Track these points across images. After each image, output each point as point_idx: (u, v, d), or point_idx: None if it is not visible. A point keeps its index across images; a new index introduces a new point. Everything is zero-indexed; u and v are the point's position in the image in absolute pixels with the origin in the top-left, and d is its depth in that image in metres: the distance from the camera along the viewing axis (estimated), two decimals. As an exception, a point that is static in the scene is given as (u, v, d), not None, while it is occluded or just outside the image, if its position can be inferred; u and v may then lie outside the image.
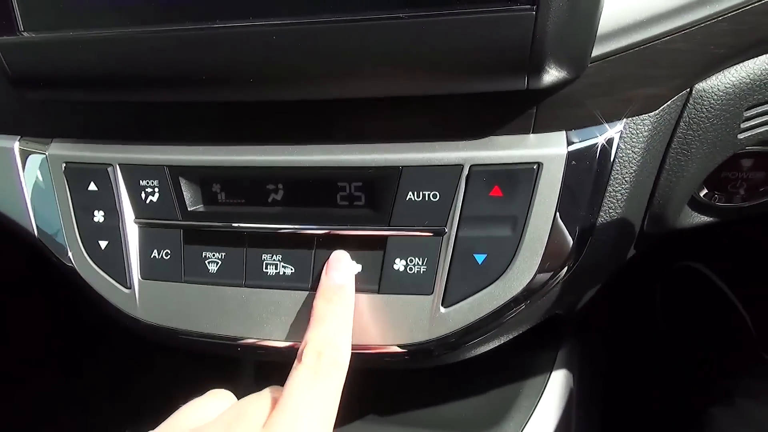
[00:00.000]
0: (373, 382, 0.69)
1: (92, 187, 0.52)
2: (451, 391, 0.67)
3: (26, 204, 0.55)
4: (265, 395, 0.42)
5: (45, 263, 0.56)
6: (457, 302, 0.45)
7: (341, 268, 0.46)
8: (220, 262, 0.50)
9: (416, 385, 0.68)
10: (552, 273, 0.44)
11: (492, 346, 0.52)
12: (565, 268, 0.45)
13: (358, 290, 0.47)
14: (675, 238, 0.56)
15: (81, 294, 0.54)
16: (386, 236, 0.46)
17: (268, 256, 0.49)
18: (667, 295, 1.40)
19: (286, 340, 0.49)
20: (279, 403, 0.40)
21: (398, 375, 0.69)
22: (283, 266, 0.49)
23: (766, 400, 0.88)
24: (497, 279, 0.44)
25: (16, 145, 0.55)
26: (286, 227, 0.48)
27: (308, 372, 0.41)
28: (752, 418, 0.85)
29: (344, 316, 0.45)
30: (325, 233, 0.48)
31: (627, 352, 1.21)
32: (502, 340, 0.52)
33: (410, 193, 0.45)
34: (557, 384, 0.67)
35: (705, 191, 0.52)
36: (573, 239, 0.44)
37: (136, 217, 0.51)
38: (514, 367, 0.68)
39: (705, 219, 0.55)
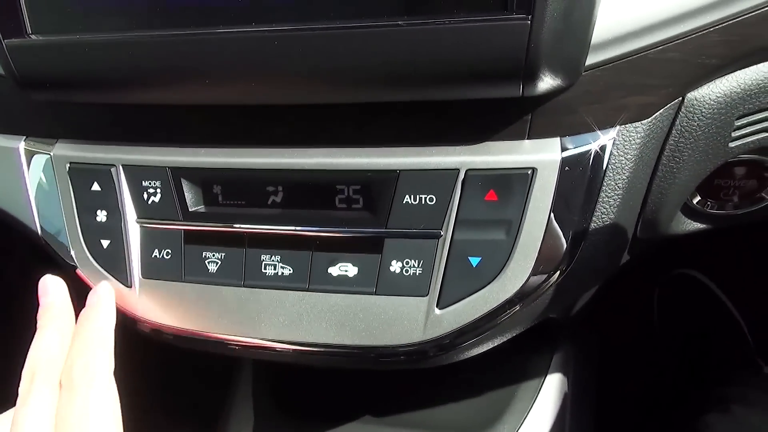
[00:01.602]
0: (368, 383, 0.70)
1: (95, 187, 0.53)
2: (446, 393, 0.68)
3: (30, 203, 0.56)
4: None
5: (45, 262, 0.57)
6: (452, 304, 0.46)
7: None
8: (219, 262, 0.51)
9: (411, 386, 0.69)
10: (545, 276, 0.45)
11: (486, 348, 0.53)
12: (558, 272, 0.46)
13: (354, 292, 0.48)
14: (670, 245, 0.57)
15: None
16: (383, 238, 0.47)
17: (267, 256, 0.50)
18: (664, 302, 1.40)
19: (282, 340, 0.49)
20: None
21: (393, 376, 0.70)
22: (281, 267, 0.50)
23: (762, 408, 0.88)
24: (491, 281, 0.45)
25: (22, 145, 0.56)
26: (285, 229, 0.49)
27: (59, 393, 0.44)
28: (748, 426, 0.85)
29: (92, 331, 0.48)
30: (323, 235, 0.49)
31: (623, 358, 1.22)
32: (497, 342, 0.53)
33: (407, 196, 0.46)
34: (552, 387, 0.68)
35: (698, 198, 0.53)
36: (566, 243, 0.44)
37: (138, 218, 0.52)
38: (510, 370, 0.69)
39: (698, 226, 0.56)
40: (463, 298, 0.46)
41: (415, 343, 0.47)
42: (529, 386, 0.67)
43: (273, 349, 0.50)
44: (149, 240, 0.52)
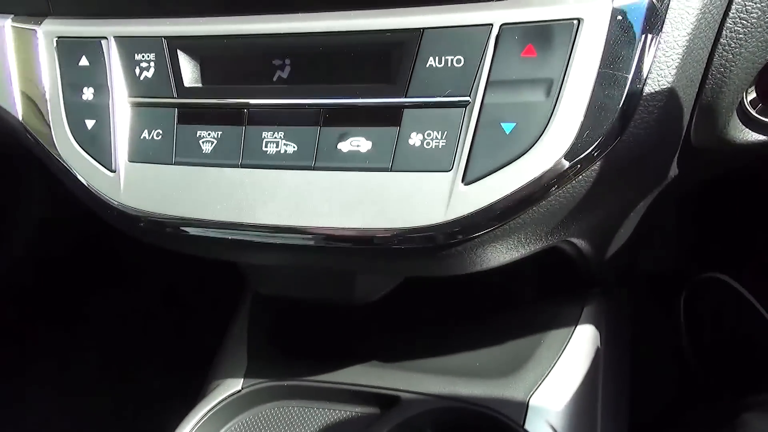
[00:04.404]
0: (392, 326, 0.63)
1: (83, 62, 0.48)
2: (470, 339, 0.60)
3: (11, 85, 0.51)
4: None
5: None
6: (480, 178, 0.39)
7: None
8: (215, 142, 0.45)
9: (435, 332, 0.62)
10: (589, 148, 0.39)
11: (510, 257, 0.46)
12: (604, 146, 0.39)
13: (366, 169, 0.41)
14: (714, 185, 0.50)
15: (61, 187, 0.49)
16: (402, 108, 0.41)
17: (269, 133, 0.44)
18: (691, 307, 1.32)
19: (281, 226, 0.43)
20: None
21: (417, 321, 0.63)
22: (284, 144, 0.44)
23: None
24: (528, 150, 0.39)
25: (8, 23, 0.51)
26: (290, 101, 0.43)
27: None
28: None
29: None
30: (333, 106, 0.43)
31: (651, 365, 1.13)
32: (522, 249, 0.46)
33: (431, 59, 0.40)
34: (582, 340, 0.60)
35: (753, 95, 0.47)
36: (617, 107, 0.38)
37: (128, 95, 0.47)
38: (535, 320, 0.62)
39: (753, 137, 0.49)
40: (493, 172, 0.39)
41: (434, 225, 0.40)
42: (558, 335, 0.60)
43: (270, 239, 0.44)
44: (139, 120, 0.47)
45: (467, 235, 0.40)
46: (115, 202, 0.47)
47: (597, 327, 0.62)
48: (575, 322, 0.61)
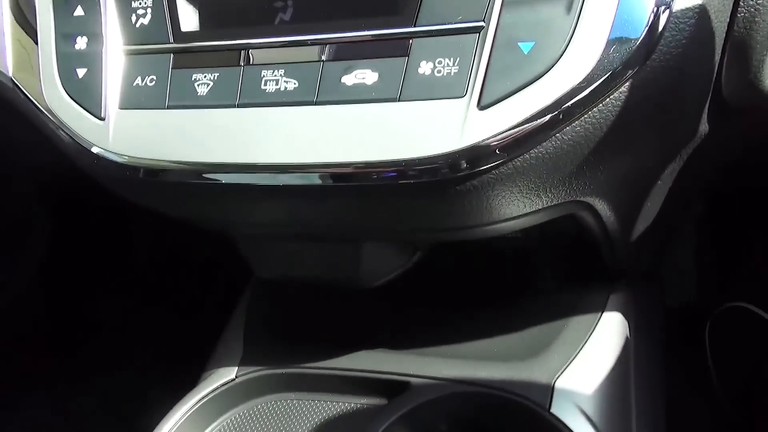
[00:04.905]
0: (403, 313, 0.58)
1: (79, 11, 0.46)
2: (487, 325, 0.55)
3: (4, 41, 0.49)
4: None
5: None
6: (497, 102, 0.36)
7: None
8: (211, 84, 0.42)
9: (448, 318, 0.57)
10: (614, 69, 0.35)
11: (527, 204, 0.41)
12: (632, 64, 0.36)
13: (372, 100, 0.38)
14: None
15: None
16: (410, 38, 0.38)
17: (269, 72, 0.41)
18: (716, 336, 1.25)
19: (279, 164, 0.39)
20: None
21: (429, 307, 0.58)
22: (285, 81, 0.41)
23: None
24: (548, 70, 0.35)
25: (4, -21, 0.50)
26: (291, 38, 0.41)
27: None
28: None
29: None
30: (337, 40, 0.40)
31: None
32: (540, 198, 0.41)
33: None
34: (610, 325, 0.55)
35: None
36: (644, 23, 0.35)
37: (123, 43, 0.45)
38: (559, 306, 0.56)
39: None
40: (511, 95, 0.36)
41: (447, 154, 0.36)
42: (582, 321, 0.54)
43: (267, 180, 0.40)
44: (132, 67, 0.44)
45: (484, 163, 0.37)
46: (103, 150, 0.43)
47: (625, 316, 0.56)
48: (601, 309, 0.56)
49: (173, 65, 0.44)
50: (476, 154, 0.36)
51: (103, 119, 0.44)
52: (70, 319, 1.00)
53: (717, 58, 0.41)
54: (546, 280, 0.61)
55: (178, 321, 0.98)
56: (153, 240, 1.05)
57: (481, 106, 0.36)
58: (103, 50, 0.45)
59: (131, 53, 0.45)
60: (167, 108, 0.43)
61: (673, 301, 1.12)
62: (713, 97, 0.44)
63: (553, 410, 0.46)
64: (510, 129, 0.36)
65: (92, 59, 0.45)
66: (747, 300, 1.26)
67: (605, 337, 0.53)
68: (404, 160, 0.37)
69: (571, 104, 0.36)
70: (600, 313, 0.55)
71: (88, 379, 0.93)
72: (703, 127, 0.47)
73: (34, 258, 0.96)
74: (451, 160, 0.36)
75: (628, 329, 0.57)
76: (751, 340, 1.23)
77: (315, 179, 0.39)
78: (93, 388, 0.91)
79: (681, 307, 1.21)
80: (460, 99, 0.37)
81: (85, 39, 0.46)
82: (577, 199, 0.46)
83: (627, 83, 0.36)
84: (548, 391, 0.47)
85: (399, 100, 0.38)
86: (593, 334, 0.53)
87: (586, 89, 0.35)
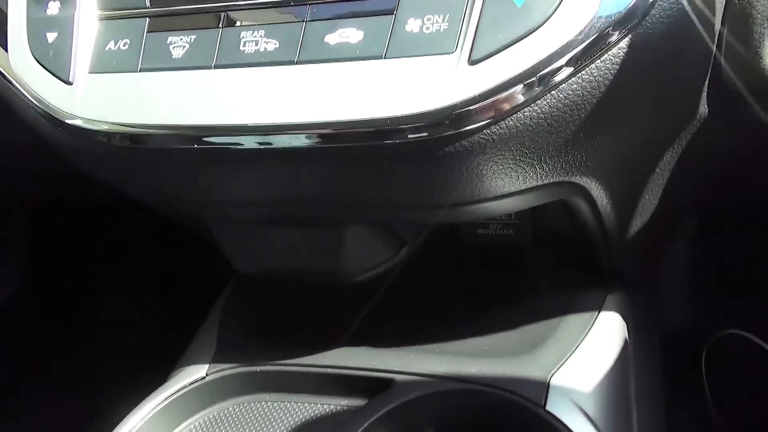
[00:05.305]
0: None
1: (52, -24, 0.44)
2: (478, 322, 0.52)
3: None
4: None
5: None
6: (488, 57, 0.34)
7: None
8: (187, 46, 0.40)
9: (435, 316, 0.54)
10: (611, 25, 0.33)
11: (518, 178, 0.39)
12: (629, 19, 0.34)
13: (357, 58, 0.36)
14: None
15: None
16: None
17: (248, 33, 0.39)
18: (713, 364, 1.22)
19: (259, 125, 0.37)
20: None
21: (416, 305, 0.55)
22: (265, 42, 0.38)
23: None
24: (543, 23, 0.33)
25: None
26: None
27: None
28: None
29: None
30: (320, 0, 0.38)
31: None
32: (532, 173, 0.39)
33: None
34: (607, 323, 0.51)
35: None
36: None
37: (98, 8, 0.43)
38: (554, 305, 0.53)
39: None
40: (503, 49, 0.34)
41: (435, 110, 0.34)
42: (578, 319, 0.51)
43: (244, 141, 0.37)
44: (105, 32, 0.42)
45: (474, 121, 0.34)
46: (69, 114, 0.41)
47: (623, 315, 0.53)
48: (598, 308, 0.53)
49: (148, 29, 0.41)
50: (467, 110, 0.34)
51: (70, 83, 0.41)
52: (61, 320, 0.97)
53: (717, 27, 0.39)
54: (542, 279, 0.58)
55: (167, 318, 0.95)
56: (141, 239, 1.03)
57: (472, 61, 0.34)
58: (76, 14, 0.43)
59: (106, 18, 0.43)
60: (139, 71, 0.40)
61: (669, 325, 1.09)
62: (712, 78, 0.43)
63: (549, 407, 0.42)
64: (502, 84, 0.33)
65: (64, 23, 0.43)
66: (743, 327, 1.23)
67: (603, 334, 0.50)
68: (390, 118, 0.34)
69: (567, 59, 0.34)
70: (597, 312, 0.52)
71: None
72: (703, 108, 0.45)
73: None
74: (439, 116, 0.34)
75: (626, 328, 0.53)
76: (749, 367, 1.20)
77: (295, 140, 0.37)
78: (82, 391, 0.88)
79: (677, 333, 1.18)
80: (449, 55, 0.35)
81: (57, 3, 0.43)
82: (573, 180, 0.43)
83: (625, 41, 0.35)
84: (543, 387, 0.43)
85: (385, 58, 0.36)
86: (590, 331, 0.50)
87: (581, 44, 0.33)
